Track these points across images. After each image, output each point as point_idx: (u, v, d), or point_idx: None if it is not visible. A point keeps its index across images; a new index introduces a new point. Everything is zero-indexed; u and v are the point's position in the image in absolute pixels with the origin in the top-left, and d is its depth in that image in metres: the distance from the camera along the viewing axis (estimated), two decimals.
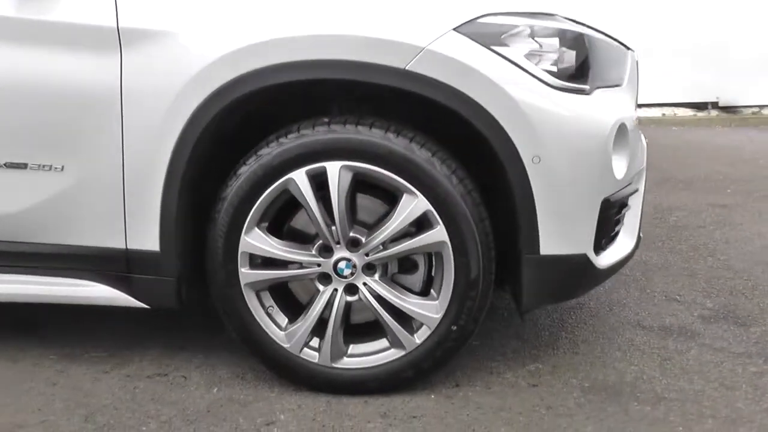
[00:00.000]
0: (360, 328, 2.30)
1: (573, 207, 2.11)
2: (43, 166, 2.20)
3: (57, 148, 2.19)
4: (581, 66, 2.17)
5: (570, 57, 2.17)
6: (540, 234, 2.10)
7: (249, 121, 2.25)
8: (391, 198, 2.18)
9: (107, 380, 2.37)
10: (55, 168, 2.20)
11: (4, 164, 2.22)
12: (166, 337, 2.67)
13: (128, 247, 2.22)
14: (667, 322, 2.75)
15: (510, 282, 2.30)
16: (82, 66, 2.13)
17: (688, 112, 8.01)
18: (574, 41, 2.16)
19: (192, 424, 2.11)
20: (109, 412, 2.18)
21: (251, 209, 2.13)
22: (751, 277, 3.19)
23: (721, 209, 4.30)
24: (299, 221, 2.27)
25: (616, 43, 2.38)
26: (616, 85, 2.30)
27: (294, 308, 2.29)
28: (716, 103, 8.07)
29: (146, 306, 2.29)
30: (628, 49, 2.46)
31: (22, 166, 2.21)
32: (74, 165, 2.19)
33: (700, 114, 8.05)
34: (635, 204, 2.43)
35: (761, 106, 8.09)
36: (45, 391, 2.30)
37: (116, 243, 2.22)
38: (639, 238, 2.48)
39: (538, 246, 2.11)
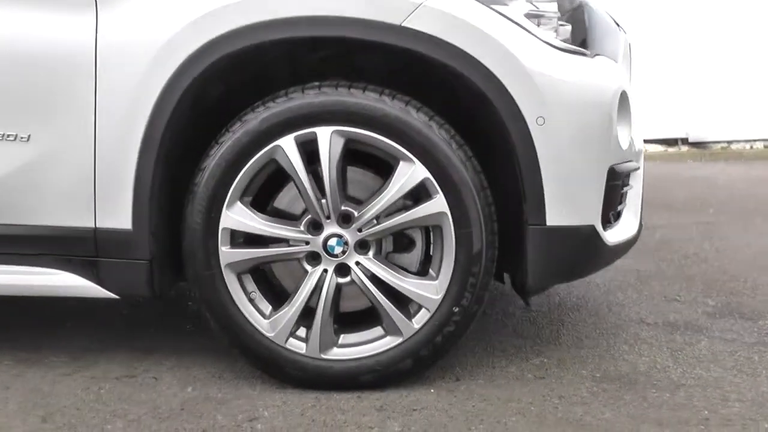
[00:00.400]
0: (350, 317, 2.11)
1: (579, 173, 1.97)
2: (7, 135, 1.99)
3: (23, 115, 1.99)
4: (580, 33, 2.09)
5: (566, 30, 2.09)
6: (546, 202, 1.94)
7: (235, 96, 2.09)
8: (384, 171, 2.02)
9: (68, 382, 2.12)
10: (21, 138, 1.99)
11: None
12: (134, 341, 2.44)
13: (97, 225, 2.00)
14: (672, 319, 2.60)
15: (511, 264, 2.12)
16: (54, 24, 1.96)
17: (658, 148, 8.03)
18: (571, 7, 2.08)
19: (164, 422, 1.88)
20: (70, 412, 1.94)
21: (234, 180, 1.95)
22: (749, 280, 3.06)
23: (706, 225, 4.21)
24: (283, 201, 2.09)
25: (611, 20, 2.30)
26: (612, 60, 2.20)
27: (279, 298, 2.08)
28: (686, 139, 8.13)
29: (114, 295, 2.06)
30: (621, 29, 2.38)
31: None
32: (41, 134, 1.99)
33: (671, 150, 8.09)
34: (636, 184, 2.30)
35: (729, 142, 8.17)
36: None
37: (84, 222, 2.00)
38: (641, 224, 2.35)
39: (545, 216, 1.95)
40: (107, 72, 1.95)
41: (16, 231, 2.04)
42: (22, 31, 1.98)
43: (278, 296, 2.09)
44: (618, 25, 2.37)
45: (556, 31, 2.04)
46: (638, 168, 2.28)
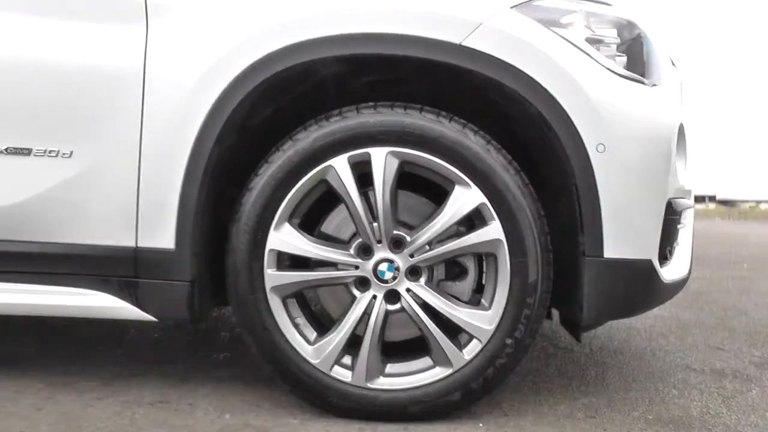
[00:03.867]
0: (395, 347, 2.03)
1: (639, 205, 1.91)
2: (49, 151, 1.95)
3: (66, 131, 1.94)
4: (637, 65, 2.05)
5: (621, 61, 2.05)
6: (604, 234, 1.88)
7: (280, 119, 2.06)
8: (436, 196, 1.97)
9: (101, 407, 2.04)
10: (63, 154, 1.94)
11: (5, 149, 1.95)
12: (166, 367, 2.37)
13: (138, 245, 1.94)
14: (718, 366, 2.51)
15: (564, 298, 2.04)
16: (101, 36, 1.93)
17: None
18: (629, 33, 2.04)
19: None
20: None
21: (283, 201, 1.90)
22: None
23: (742, 280, 4.13)
24: (331, 225, 2.04)
25: (667, 56, 2.27)
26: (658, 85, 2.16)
27: (323, 325, 2.02)
28: (713, 197, 8.10)
29: (153, 318, 2.00)
30: (675, 66, 2.35)
31: (26, 152, 1.95)
32: (84, 151, 1.94)
33: (699, 207, 8.07)
34: (688, 223, 2.24)
35: (758, 201, 8.11)
36: (28, 415, 1.96)
37: (125, 241, 1.95)
38: (692, 264, 2.28)
39: (602, 247, 1.89)
40: (155, 87, 1.91)
41: (52, 249, 1.97)
42: (67, 42, 1.94)
43: (322, 323, 2.03)
44: (672, 62, 2.34)
45: (614, 58, 2.01)
46: (692, 206, 2.23)
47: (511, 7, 1.90)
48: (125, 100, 1.92)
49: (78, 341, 2.64)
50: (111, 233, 1.96)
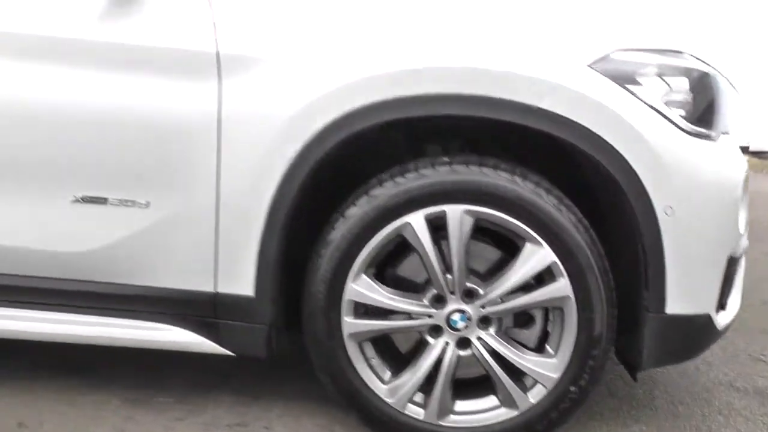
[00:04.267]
0: (462, 382, 2.14)
1: (701, 263, 1.99)
2: (126, 201, 2.02)
3: (142, 182, 2.01)
4: (707, 109, 2.07)
5: (688, 97, 2.05)
6: (667, 291, 1.96)
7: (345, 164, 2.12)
8: (503, 243, 2.05)
9: (182, 428, 2.18)
10: (139, 204, 2.01)
11: (82, 198, 2.03)
12: (237, 385, 2.48)
13: (218, 290, 2.04)
14: (760, 385, 2.62)
15: (623, 343, 2.12)
16: (175, 92, 1.97)
17: None
18: (700, 82, 2.05)
19: None
20: None
21: (359, 254, 1.97)
22: None
23: None
24: (405, 269, 2.11)
25: (731, 85, 2.28)
26: (726, 132, 2.19)
27: (393, 358, 2.13)
28: (747, 147, 8.06)
29: (231, 353, 2.12)
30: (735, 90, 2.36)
31: (102, 201, 2.02)
32: (161, 201, 2.01)
33: None
34: (742, 263, 2.30)
35: None
36: None
37: (204, 286, 2.04)
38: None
39: (665, 304, 1.97)
40: (232, 141, 1.97)
41: (131, 291, 2.07)
42: (141, 97, 1.98)
43: (393, 357, 2.13)
44: (732, 85, 2.34)
45: (685, 105, 2.01)
46: (746, 246, 2.28)
47: (588, 65, 1.93)
48: (201, 154, 1.98)
49: (148, 353, 2.74)
50: (189, 279, 2.05)
